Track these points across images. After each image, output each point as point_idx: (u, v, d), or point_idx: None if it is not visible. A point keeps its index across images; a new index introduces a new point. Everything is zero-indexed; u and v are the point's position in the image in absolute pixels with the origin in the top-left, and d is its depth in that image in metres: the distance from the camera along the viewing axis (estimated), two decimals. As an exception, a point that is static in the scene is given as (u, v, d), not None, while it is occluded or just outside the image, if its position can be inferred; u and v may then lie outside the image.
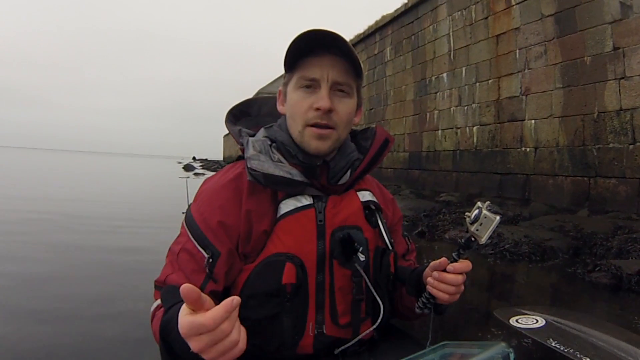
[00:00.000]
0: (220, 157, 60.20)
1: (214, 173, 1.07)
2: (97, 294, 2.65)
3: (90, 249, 3.89)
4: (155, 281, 0.91)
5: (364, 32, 11.97)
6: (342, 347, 0.94)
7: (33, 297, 2.55)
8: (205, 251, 0.87)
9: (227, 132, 1.10)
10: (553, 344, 0.92)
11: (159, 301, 0.85)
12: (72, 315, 2.31)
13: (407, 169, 9.74)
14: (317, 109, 0.90)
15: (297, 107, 0.93)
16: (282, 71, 0.98)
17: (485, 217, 0.82)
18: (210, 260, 0.86)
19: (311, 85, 0.91)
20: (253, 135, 1.02)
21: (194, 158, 63.60)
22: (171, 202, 6.93)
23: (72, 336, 2.04)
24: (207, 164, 37.30)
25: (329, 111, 0.90)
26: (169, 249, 0.93)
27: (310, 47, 0.90)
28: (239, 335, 0.62)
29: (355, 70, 0.93)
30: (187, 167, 26.65)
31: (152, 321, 0.86)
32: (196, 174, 18.92)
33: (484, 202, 0.84)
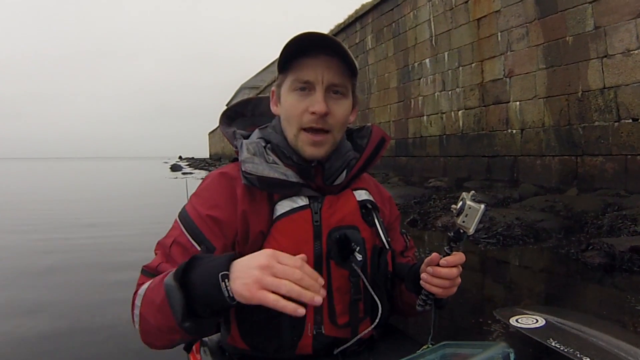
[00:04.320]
0: (207, 155, 59.71)
1: (201, 170, 1.03)
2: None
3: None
4: (144, 266, 0.88)
5: (344, 22, 11.91)
6: (342, 347, 0.94)
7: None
8: (199, 246, 0.86)
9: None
10: (553, 344, 0.92)
11: (147, 284, 0.82)
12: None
13: (394, 157, 9.76)
14: (313, 113, 0.88)
15: (291, 110, 0.91)
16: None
17: (470, 208, 0.80)
18: None
19: (306, 88, 0.90)
20: (248, 137, 1.00)
21: (180, 157, 62.97)
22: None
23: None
24: (194, 163, 37.08)
25: (325, 114, 0.89)
26: (158, 243, 0.91)
27: (304, 48, 0.88)
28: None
29: (350, 70, 0.91)
30: (174, 167, 26.42)
31: (139, 299, 0.82)
32: (184, 174, 18.75)
33: (468, 193, 0.83)
